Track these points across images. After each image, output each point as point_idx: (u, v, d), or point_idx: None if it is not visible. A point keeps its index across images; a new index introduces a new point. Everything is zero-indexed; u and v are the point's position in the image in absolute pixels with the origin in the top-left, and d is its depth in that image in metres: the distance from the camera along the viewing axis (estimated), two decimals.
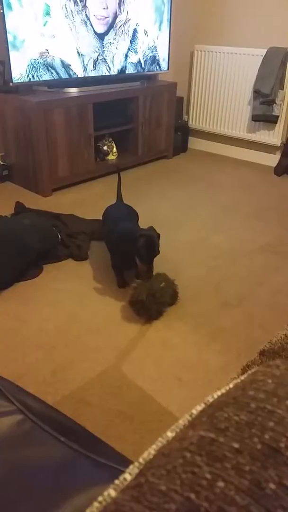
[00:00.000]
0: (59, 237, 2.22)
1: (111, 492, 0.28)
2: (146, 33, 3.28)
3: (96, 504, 0.27)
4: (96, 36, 2.97)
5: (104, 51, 3.05)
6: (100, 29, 2.97)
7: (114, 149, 3.34)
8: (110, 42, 3.07)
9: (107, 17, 2.98)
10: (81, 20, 2.83)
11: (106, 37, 3.03)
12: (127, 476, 0.29)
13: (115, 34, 3.08)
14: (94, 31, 2.94)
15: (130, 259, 1.83)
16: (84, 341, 1.62)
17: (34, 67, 2.71)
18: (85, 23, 2.86)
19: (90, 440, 0.81)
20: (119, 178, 2.23)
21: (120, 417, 1.31)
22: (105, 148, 3.28)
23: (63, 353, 1.55)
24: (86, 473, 0.70)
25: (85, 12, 2.83)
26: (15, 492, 0.65)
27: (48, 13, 2.65)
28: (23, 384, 1.38)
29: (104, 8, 2.93)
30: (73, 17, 2.78)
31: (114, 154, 3.35)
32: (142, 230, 1.79)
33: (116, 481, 0.29)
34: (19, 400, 0.81)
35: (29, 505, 0.63)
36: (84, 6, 2.81)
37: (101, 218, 2.17)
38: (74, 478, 0.68)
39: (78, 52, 2.90)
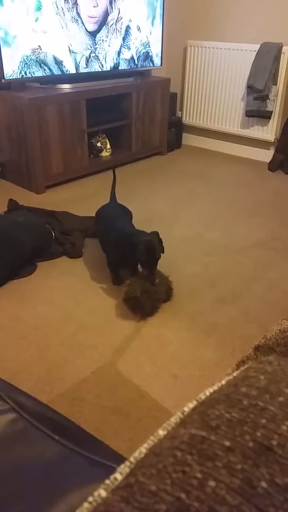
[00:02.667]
0: (53, 234, 2.21)
1: (102, 492, 0.27)
2: (139, 29, 3.26)
3: (86, 504, 0.27)
4: (88, 34, 2.94)
5: (96, 48, 3.03)
6: (91, 27, 2.95)
7: (108, 146, 3.33)
8: (103, 40, 3.05)
9: (97, 17, 2.95)
10: (72, 17, 2.80)
11: (98, 35, 3.01)
12: (118, 475, 0.28)
13: (107, 32, 3.06)
14: (86, 29, 2.91)
15: (127, 259, 1.82)
16: (79, 339, 1.61)
17: (27, 63, 2.69)
18: (76, 20, 2.83)
19: (85, 438, 0.81)
20: (114, 178, 2.22)
21: (115, 414, 1.31)
22: (98, 144, 3.26)
23: (58, 351, 1.55)
24: (80, 471, 0.69)
25: (76, 10, 2.81)
26: (9, 491, 0.64)
27: (39, 9, 2.63)
28: (18, 382, 1.38)
29: (94, 7, 2.91)
30: (64, 14, 2.76)
31: (108, 150, 3.33)
32: (143, 233, 1.75)
33: (107, 481, 0.28)
34: (12, 398, 0.80)
35: (23, 503, 0.62)
36: (75, 4, 2.78)
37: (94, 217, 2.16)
38: (68, 477, 0.68)
39: (69, 50, 2.87)
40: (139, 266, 1.78)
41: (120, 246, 1.78)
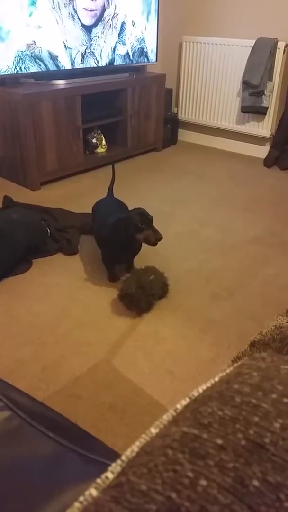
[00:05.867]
0: (48, 231, 2.20)
1: (93, 491, 0.27)
2: (134, 24, 3.24)
3: (77, 504, 0.26)
4: (84, 29, 2.92)
5: (92, 44, 3.01)
6: (88, 21, 2.93)
7: (103, 142, 3.31)
8: (98, 36, 3.03)
9: (95, 10, 2.94)
10: (69, 13, 2.78)
11: (94, 30, 2.99)
12: (109, 474, 0.28)
13: (103, 28, 3.04)
14: (82, 24, 2.89)
15: (123, 250, 1.82)
16: (75, 336, 1.61)
17: (22, 59, 2.67)
18: (72, 16, 2.81)
19: (80, 435, 0.80)
20: (113, 173, 2.21)
21: (111, 411, 1.31)
22: (94, 140, 3.25)
23: (54, 348, 1.54)
24: (75, 468, 0.69)
25: (73, 5, 2.79)
26: (3, 489, 0.64)
27: (33, 3, 2.61)
28: (14, 380, 1.37)
29: (92, 0, 2.89)
30: (60, 10, 2.74)
31: (103, 147, 3.32)
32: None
33: (98, 480, 0.28)
34: (7, 396, 0.80)
35: (18, 501, 0.62)
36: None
37: (91, 212, 2.15)
38: (63, 474, 0.67)
39: (65, 45, 2.85)
40: (138, 235, 1.73)
41: (114, 235, 1.76)
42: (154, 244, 1.70)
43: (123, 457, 0.29)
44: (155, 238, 1.69)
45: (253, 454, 0.24)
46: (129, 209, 2.09)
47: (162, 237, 1.69)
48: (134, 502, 0.22)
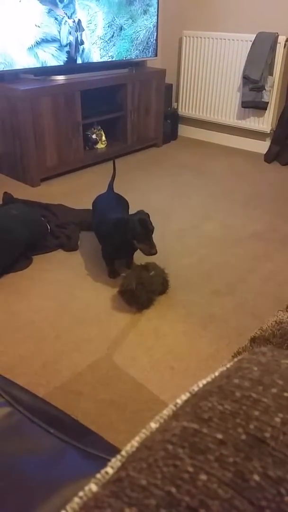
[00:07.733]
0: (48, 227, 2.20)
1: (93, 487, 0.27)
2: (134, 19, 3.22)
3: (76, 499, 0.26)
4: (83, 24, 2.91)
5: (91, 38, 3.00)
6: (85, 18, 2.91)
7: (103, 138, 3.30)
8: (97, 30, 3.01)
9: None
10: (65, 12, 2.77)
11: (92, 25, 2.97)
12: (109, 469, 0.28)
13: (103, 22, 3.02)
14: (79, 20, 2.88)
15: (122, 247, 1.82)
16: (75, 332, 1.61)
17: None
18: (69, 15, 2.80)
19: (80, 431, 0.80)
20: (114, 169, 2.21)
21: (112, 407, 1.31)
22: (94, 136, 3.24)
23: (54, 344, 1.54)
24: (76, 464, 0.69)
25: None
26: (3, 485, 0.64)
27: None
28: (14, 376, 1.37)
29: None
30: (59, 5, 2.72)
31: (103, 142, 3.31)
32: (131, 214, 1.79)
33: (98, 475, 0.28)
34: (7, 392, 0.80)
35: (18, 497, 0.62)
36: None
37: (91, 208, 2.14)
38: (63, 470, 0.67)
39: (63, 41, 2.84)
40: (135, 242, 1.74)
41: (114, 234, 1.76)
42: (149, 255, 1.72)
43: (123, 452, 0.29)
44: (149, 253, 1.70)
45: (253, 448, 0.24)
46: (129, 205, 2.09)
47: (156, 253, 1.70)
48: (133, 497, 0.22)
